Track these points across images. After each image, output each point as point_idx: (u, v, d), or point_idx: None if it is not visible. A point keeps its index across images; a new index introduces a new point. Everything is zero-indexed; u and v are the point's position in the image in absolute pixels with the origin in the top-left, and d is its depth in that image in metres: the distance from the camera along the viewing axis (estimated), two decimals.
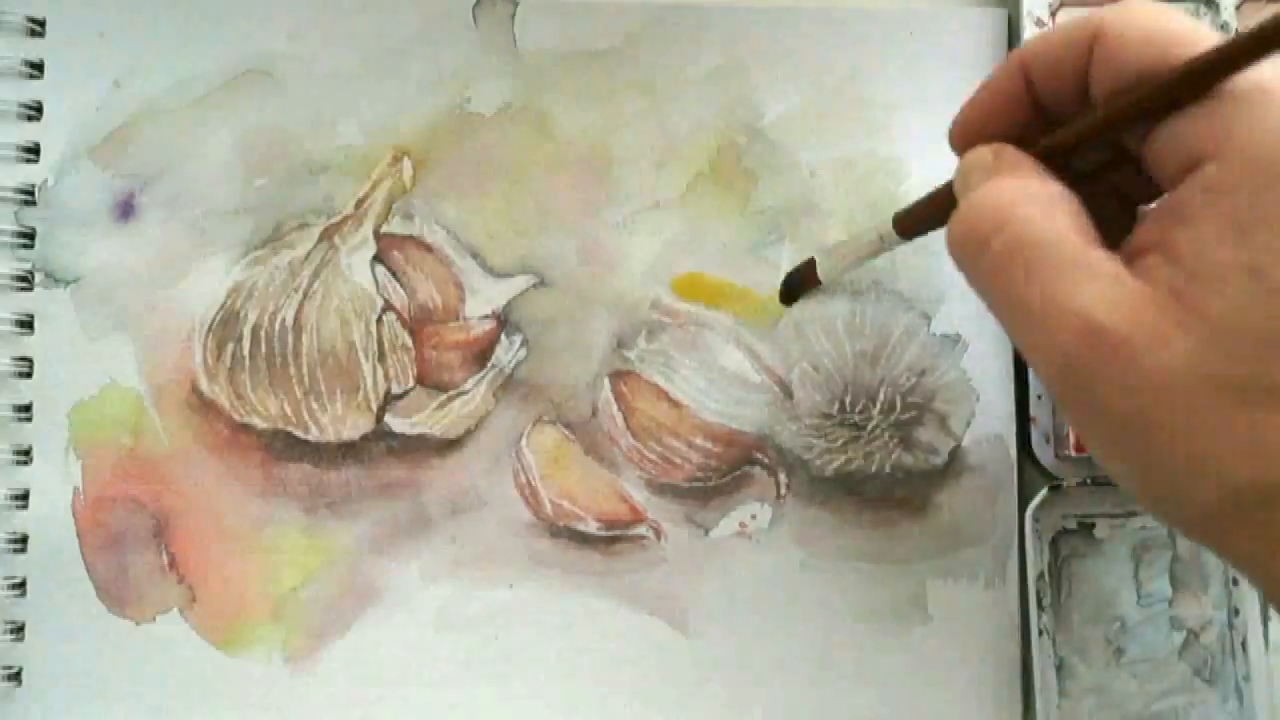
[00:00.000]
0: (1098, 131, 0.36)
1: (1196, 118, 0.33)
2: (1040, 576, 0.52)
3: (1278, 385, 0.31)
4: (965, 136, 0.41)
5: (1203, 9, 0.53)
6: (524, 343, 0.53)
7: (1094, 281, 0.33)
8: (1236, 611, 0.52)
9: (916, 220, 0.45)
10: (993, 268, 0.35)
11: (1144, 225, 0.34)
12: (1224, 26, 0.52)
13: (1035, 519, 0.52)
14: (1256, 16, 0.53)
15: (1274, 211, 0.31)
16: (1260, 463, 0.31)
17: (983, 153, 0.38)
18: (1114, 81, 0.35)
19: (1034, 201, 0.35)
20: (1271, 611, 0.52)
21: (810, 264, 0.52)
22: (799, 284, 0.53)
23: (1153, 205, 0.35)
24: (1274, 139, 0.31)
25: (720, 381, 0.53)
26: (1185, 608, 0.52)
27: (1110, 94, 0.35)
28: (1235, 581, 0.52)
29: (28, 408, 0.51)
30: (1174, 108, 0.33)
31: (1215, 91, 0.32)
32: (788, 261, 0.53)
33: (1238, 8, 0.52)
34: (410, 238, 0.53)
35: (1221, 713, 0.52)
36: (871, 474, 0.52)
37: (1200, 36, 0.33)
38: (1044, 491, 0.52)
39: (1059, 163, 0.37)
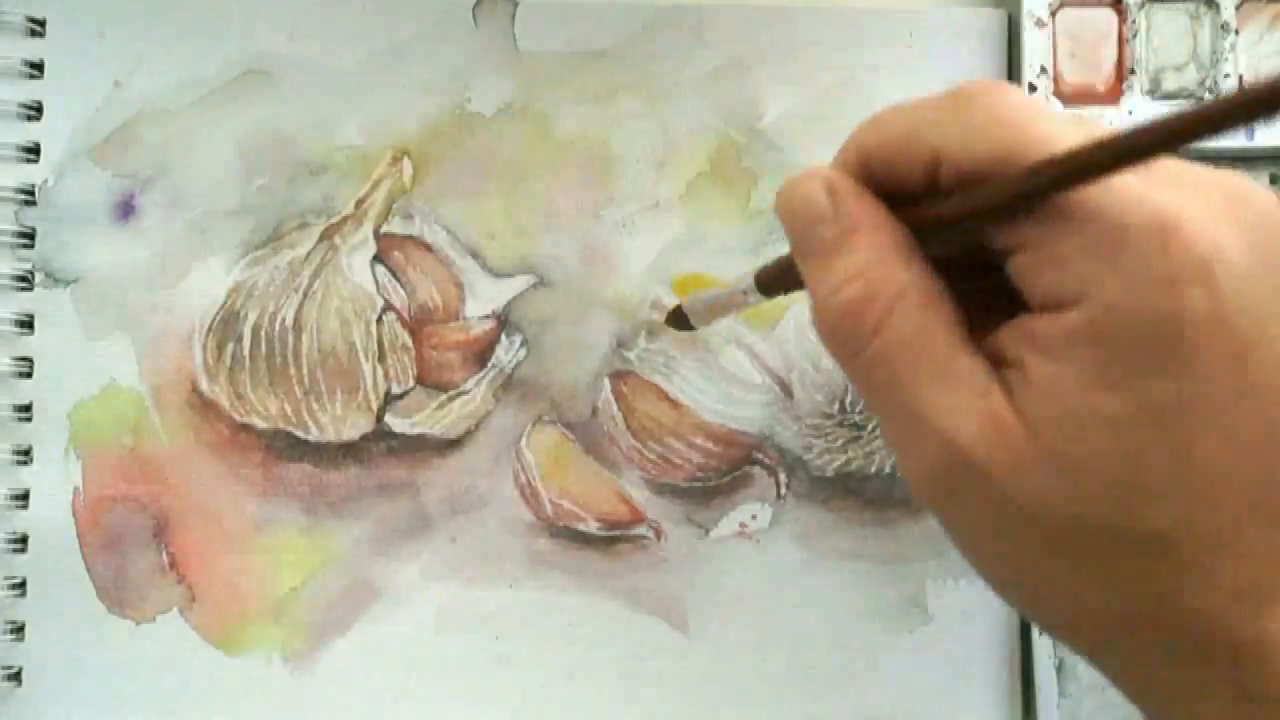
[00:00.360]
0: (950, 223, 0.34)
1: (1064, 257, 0.31)
2: None
3: (1141, 530, 0.31)
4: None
5: (1203, 9, 0.53)
6: (524, 343, 0.53)
7: (959, 395, 0.32)
8: None
9: (776, 282, 0.43)
10: (865, 368, 0.34)
11: (1007, 332, 0.33)
12: (1224, 26, 0.52)
13: None
14: (1256, 16, 0.53)
15: (1138, 363, 0.30)
16: (1119, 596, 0.32)
17: (815, 189, 0.35)
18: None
19: (910, 299, 0.33)
20: None
21: (679, 313, 0.50)
22: (678, 324, 0.51)
23: (1017, 318, 0.33)
24: (1139, 290, 0.30)
25: (720, 381, 0.53)
26: None
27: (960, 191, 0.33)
28: None
29: (28, 408, 0.51)
30: (1020, 213, 0.32)
31: (1075, 216, 0.31)
32: None
33: (1238, 8, 0.52)
34: (410, 238, 0.53)
35: None
36: (872, 474, 0.53)
37: (1039, 135, 0.32)
38: None
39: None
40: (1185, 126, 0.28)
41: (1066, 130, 0.32)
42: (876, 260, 0.34)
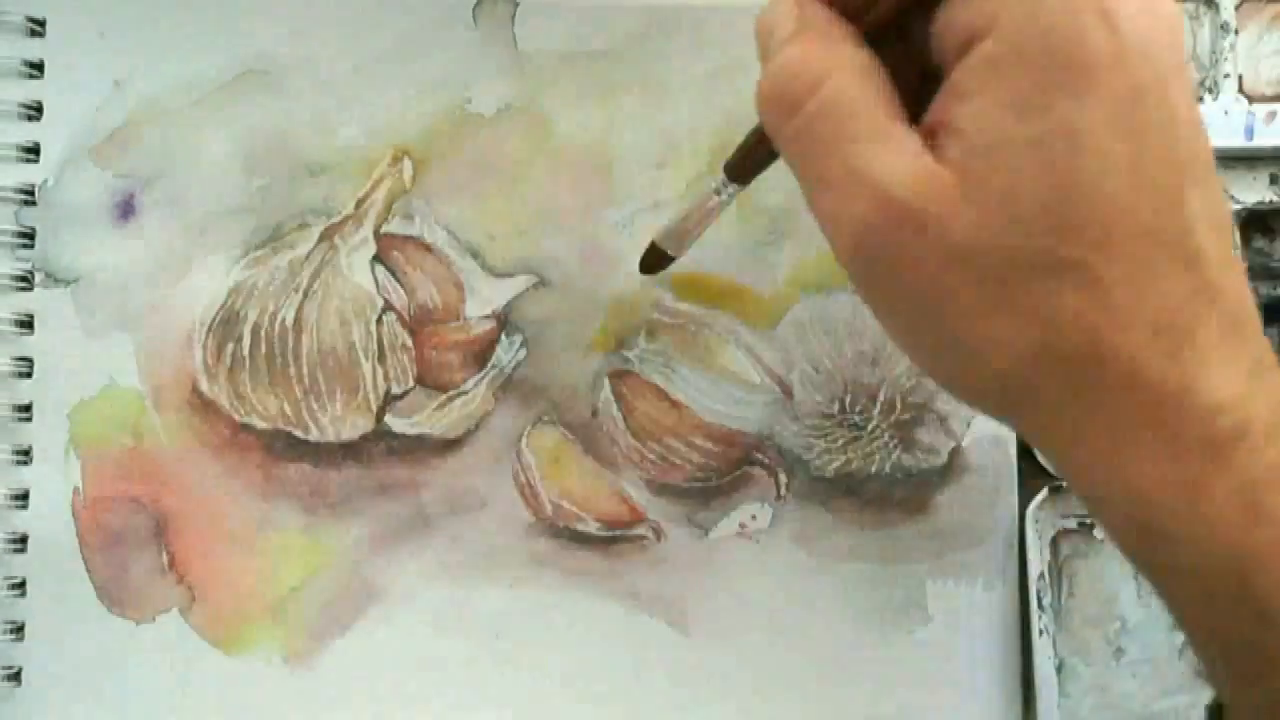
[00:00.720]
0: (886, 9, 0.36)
1: None
2: (1040, 576, 0.52)
3: (1063, 258, 0.32)
4: None
5: (1202, 9, 0.53)
6: (524, 343, 0.53)
7: (893, 154, 0.33)
8: None
9: (748, 159, 0.43)
10: (801, 130, 0.35)
11: (935, 103, 0.34)
12: (1224, 26, 0.52)
13: (1035, 519, 0.52)
14: (1256, 16, 0.53)
15: (1047, 84, 0.32)
16: (1049, 333, 0.33)
17: (785, 4, 0.37)
18: None
19: (847, 69, 0.35)
20: None
21: (653, 249, 0.50)
22: (654, 267, 0.51)
23: (943, 84, 0.34)
24: (1044, 11, 0.32)
25: (720, 382, 0.53)
26: None
27: None
28: None
29: (28, 408, 0.51)
30: None
31: None
32: (788, 262, 0.53)
33: (1237, 7, 0.53)
34: (410, 238, 0.53)
35: None
36: (872, 474, 0.53)
37: None
38: (1044, 491, 0.52)
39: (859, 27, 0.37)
40: None
41: None
42: (822, 40, 0.35)
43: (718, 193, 0.44)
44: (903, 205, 0.33)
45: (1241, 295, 0.34)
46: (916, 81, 0.36)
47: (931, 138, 0.34)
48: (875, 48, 0.36)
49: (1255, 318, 0.34)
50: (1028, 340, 0.33)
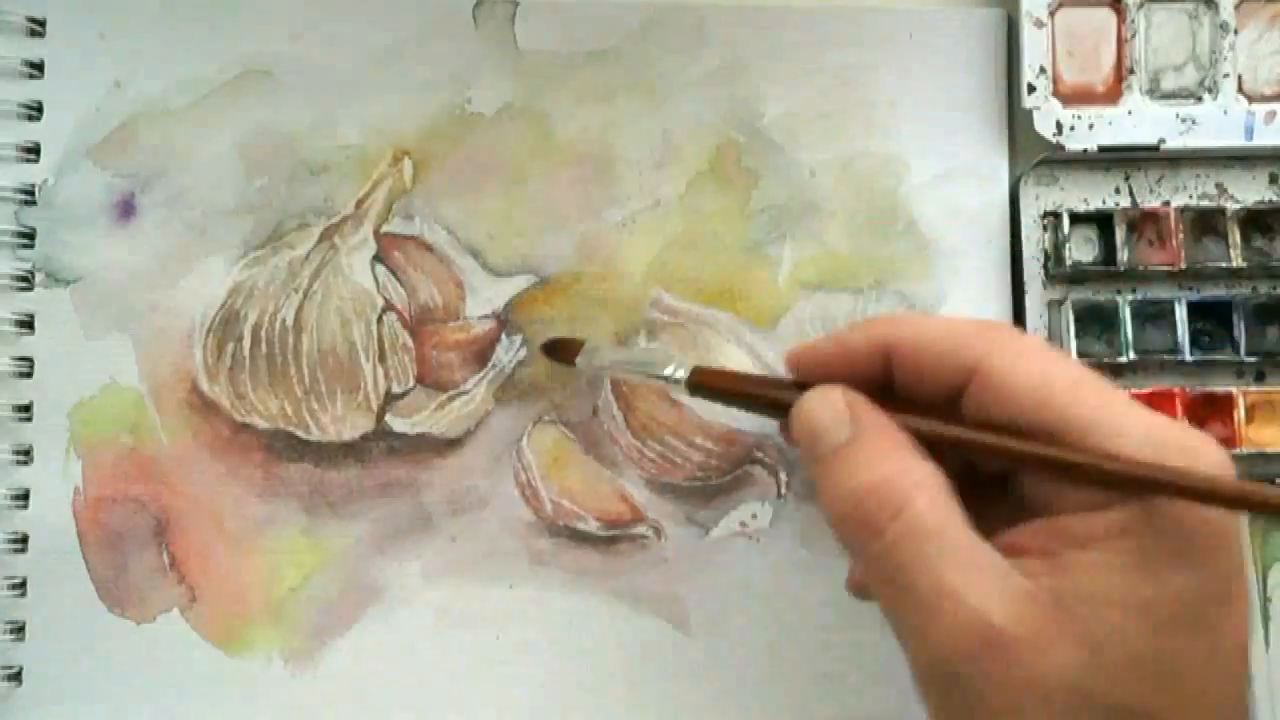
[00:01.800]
0: (972, 450, 0.38)
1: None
2: None
3: (1143, 710, 0.34)
4: (803, 368, 0.42)
5: (1202, 8, 0.53)
6: (524, 342, 0.53)
7: (986, 577, 0.34)
8: None
9: (720, 392, 0.45)
10: (886, 552, 0.36)
11: (1029, 529, 0.36)
12: (1223, 26, 0.52)
13: None
14: (1255, 15, 0.53)
15: (1168, 554, 0.34)
16: None
17: (835, 401, 0.39)
18: (989, 412, 0.37)
19: (927, 488, 0.36)
20: (1272, 611, 0.52)
21: (576, 346, 0.50)
22: (556, 351, 0.52)
23: (1042, 520, 0.36)
24: (1182, 506, 0.34)
25: None
26: None
27: (983, 420, 0.37)
28: None
29: (28, 408, 0.51)
30: (1079, 483, 0.36)
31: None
32: (788, 260, 0.53)
33: (1237, 7, 0.52)
34: (411, 237, 0.53)
35: None
36: None
37: (1088, 394, 0.36)
38: None
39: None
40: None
41: (1108, 411, 0.36)
42: (893, 453, 0.37)
43: (668, 380, 0.46)
44: (1000, 630, 0.33)
45: None
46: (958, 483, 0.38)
47: (1016, 555, 0.35)
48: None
49: None
50: None
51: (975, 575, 0.34)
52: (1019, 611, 0.34)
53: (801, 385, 0.41)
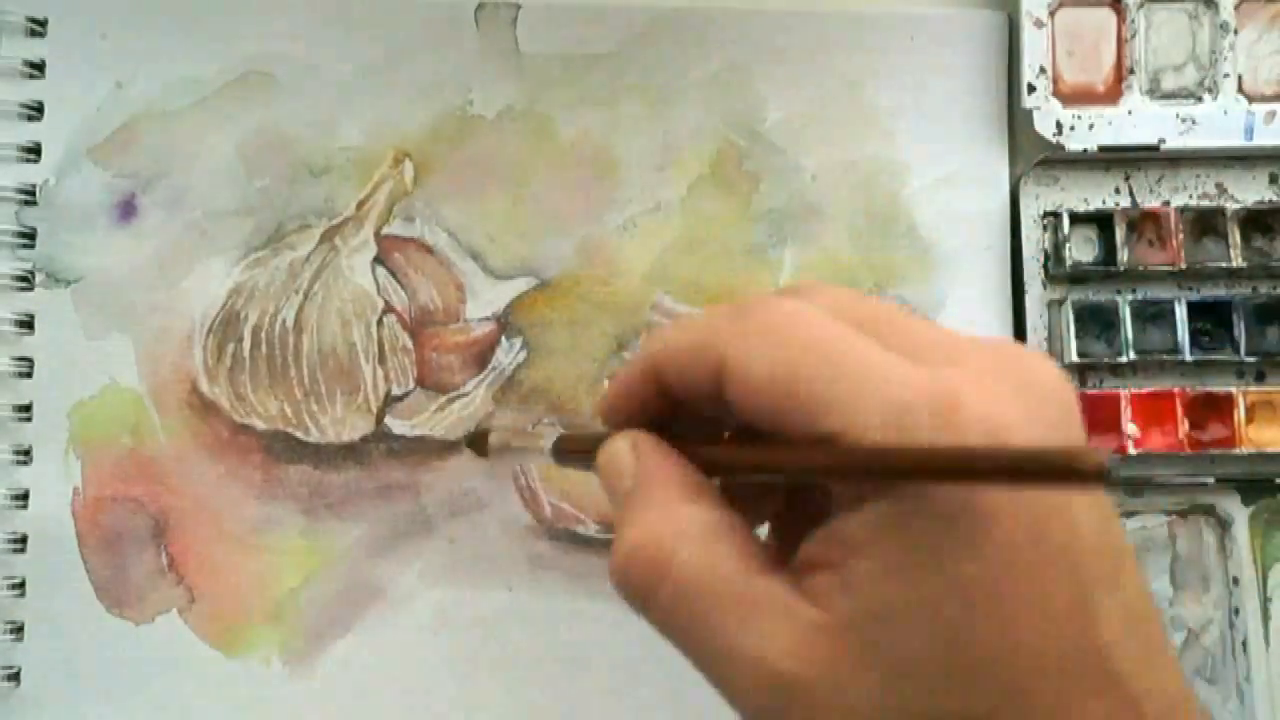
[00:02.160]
0: (745, 471, 0.36)
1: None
2: None
3: (972, 715, 0.30)
4: (612, 417, 0.39)
5: (1201, 8, 0.53)
6: (524, 345, 0.53)
7: (767, 622, 0.32)
8: (1237, 611, 0.52)
9: (571, 457, 0.43)
10: (664, 619, 0.34)
11: (814, 543, 0.33)
12: (1223, 26, 0.53)
13: None
14: (1255, 15, 0.53)
15: (940, 539, 0.30)
16: None
17: (622, 450, 0.36)
18: (746, 411, 0.33)
19: (694, 540, 0.33)
20: (1272, 611, 0.52)
21: (484, 436, 0.48)
22: (476, 447, 0.49)
23: (825, 525, 0.33)
24: (938, 490, 0.30)
25: None
26: (1186, 608, 0.52)
27: (747, 419, 0.34)
28: (1236, 581, 0.52)
29: (28, 408, 0.51)
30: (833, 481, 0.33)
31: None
32: (789, 264, 0.53)
33: (1237, 7, 0.53)
34: (411, 239, 0.53)
35: (1222, 713, 0.52)
36: None
37: (821, 368, 0.32)
38: None
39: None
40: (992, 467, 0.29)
41: (844, 348, 0.32)
42: (661, 505, 0.34)
43: (542, 452, 0.44)
44: (785, 675, 0.31)
45: (1167, 690, 0.33)
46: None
47: (809, 574, 0.32)
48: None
49: (1188, 700, 0.33)
50: None
51: (755, 623, 0.32)
52: (807, 651, 0.31)
53: None
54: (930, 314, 0.53)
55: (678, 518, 0.34)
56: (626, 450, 0.36)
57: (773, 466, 0.34)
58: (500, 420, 0.52)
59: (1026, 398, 0.31)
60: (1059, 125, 0.52)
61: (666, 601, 0.33)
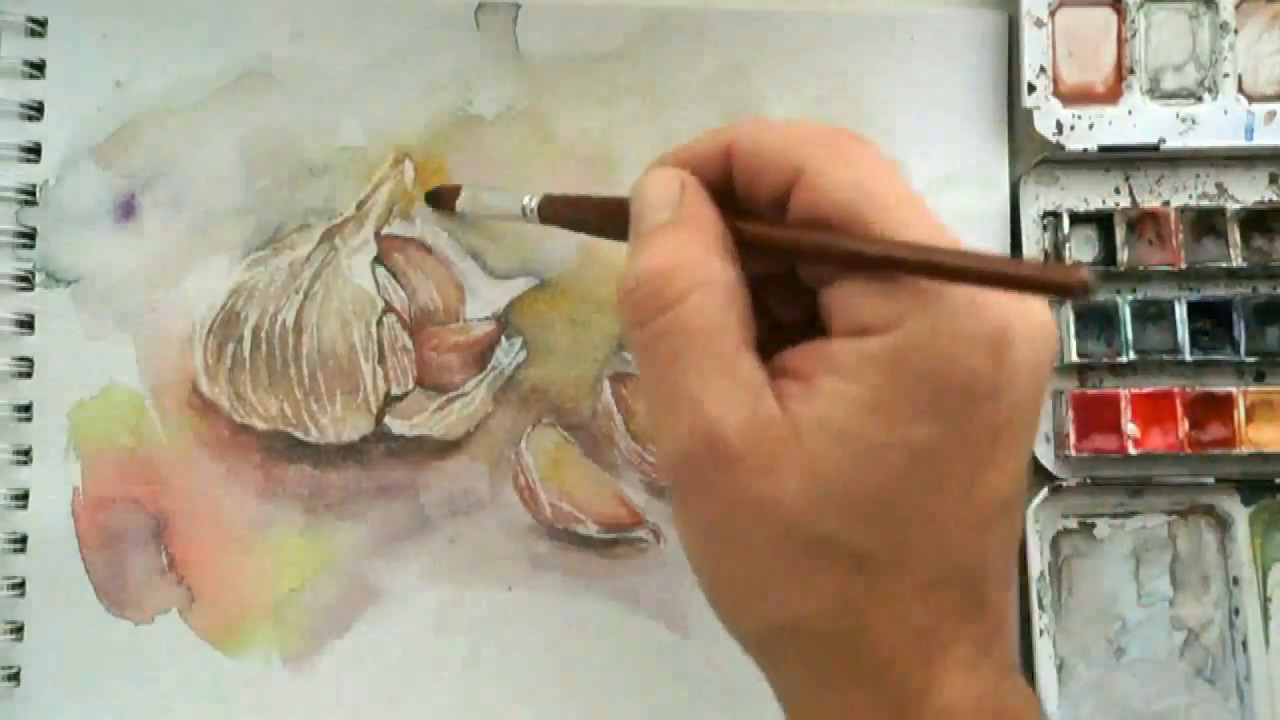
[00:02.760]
0: (785, 250, 0.36)
1: (882, 291, 0.33)
2: (1041, 576, 0.51)
3: (861, 549, 0.33)
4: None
5: (1201, 8, 0.53)
6: (524, 345, 0.53)
7: (733, 390, 0.34)
8: (1237, 611, 0.52)
9: (567, 217, 0.45)
10: (651, 340, 0.35)
11: (799, 351, 0.35)
12: (1223, 26, 0.53)
13: (1035, 519, 0.52)
14: (1255, 15, 0.53)
15: (917, 401, 0.32)
16: (823, 606, 0.34)
17: (670, 182, 0.38)
18: (810, 213, 0.35)
19: (712, 287, 0.35)
20: (1272, 611, 0.52)
21: (455, 191, 0.51)
22: (438, 200, 0.52)
23: (814, 341, 0.35)
24: (943, 338, 0.32)
25: None
26: (1186, 608, 0.52)
27: (804, 221, 0.35)
28: (1236, 581, 0.52)
29: (28, 408, 0.51)
30: (868, 272, 0.34)
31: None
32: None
33: (1237, 7, 0.53)
34: (411, 239, 0.53)
35: (1223, 712, 0.52)
36: None
37: (894, 195, 0.35)
38: (1044, 491, 0.52)
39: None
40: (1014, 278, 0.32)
41: (911, 213, 0.34)
42: (696, 246, 0.36)
43: (524, 211, 0.46)
44: (727, 444, 0.33)
45: (1003, 607, 0.36)
46: (776, 284, 0.38)
47: (782, 378, 0.34)
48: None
49: (1011, 626, 0.38)
50: (802, 608, 0.34)
51: (723, 386, 0.34)
52: (754, 431, 0.33)
53: None
54: None
55: (707, 265, 0.35)
56: (675, 183, 0.37)
57: (817, 247, 0.35)
58: (501, 418, 0.52)
59: (1030, 325, 0.34)
60: (1059, 125, 0.52)
61: (661, 329, 0.35)
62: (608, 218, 0.42)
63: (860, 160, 0.35)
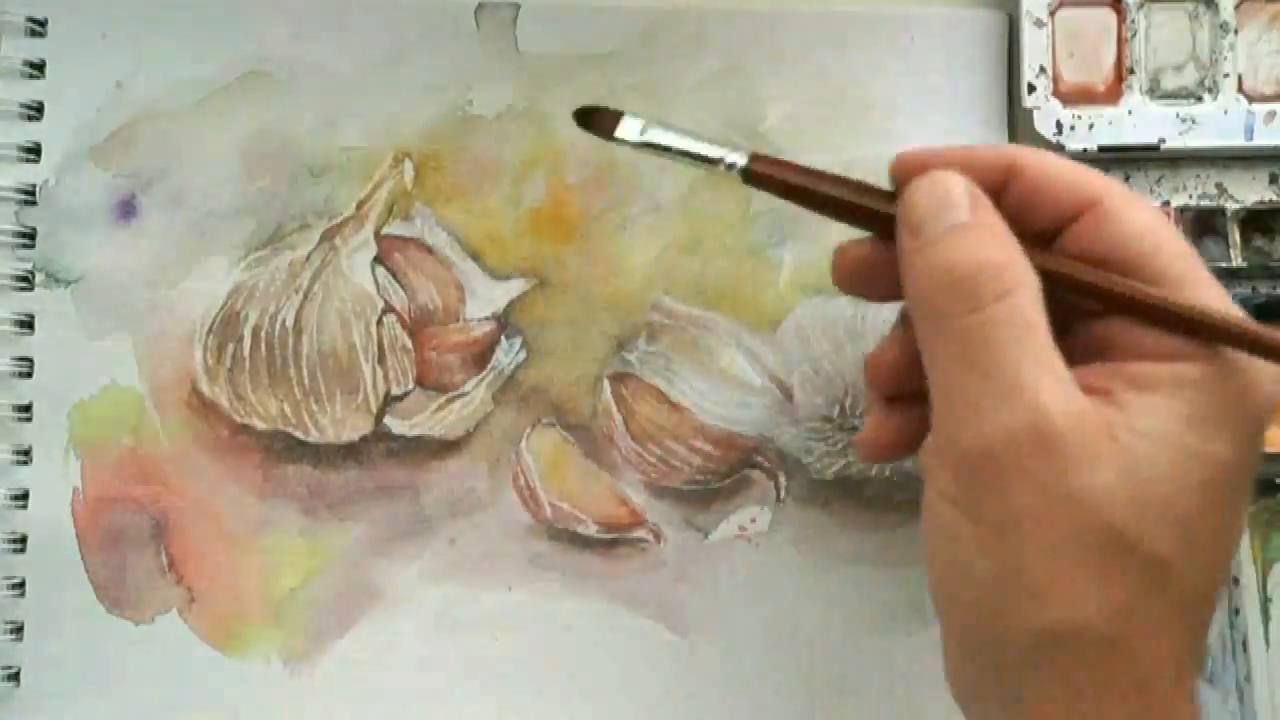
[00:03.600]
0: (1086, 292, 0.38)
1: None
2: None
3: (1147, 550, 0.34)
4: (910, 167, 0.41)
5: (1202, 8, 0.53)
6: (524, 345, 0.53)
7: (1058, 382, 0.35)
8: (1237, 611, 0.52)
9: (785, 184, 0.42)
10: (978, 326, 0.36)
11: (1092, 370, 0.37)
12: (1223, 26, 0.52)
13: None
14: (1256, 15, 0.53)
15: (1222, 423, 0.36)
16: (1090, 609, 0.34)
17: (962, 186, 0.39)
18: (1100, 247, 0.38)
19: (1032, 288, 0.36)
20: (1272, 611, 0.52)
21: (615, 116, 0.45)
22: (591, 121, 0.45)
23: (1102, 363, 0.37)
24: (1245, 376, 0.36)
25: (720, 384, 0.53)
26: None
27: (1088, 254, 0.38)
28: (1236, 581, 0.52)
29: (28, 408, 0.51)
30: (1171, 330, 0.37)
31: None
32: (789, 264, 0.53)
33: (1237, 7, 0.52)
34: (411, 239, 0.53)
35: (1222, 712, 0.52)
36: (871, 477, 0.52)
37: (1183, 249, 0.38)
38: None
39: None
40: None
41: (1199, 271, 0.38)
42: (1008, 245, 0.37)
43: (725, 164, 0.42)
44: (1057, 432, 0.34)
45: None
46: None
47: (1085, 391, 0.36)
48: None
49: None
50: (1087, 611, 0.34)
51: (1050, 377, 0.35)
52: (1079, 423, 0.34)
53: (886, 194, 0.41)
54: None
55: (1024, 267, 0.37)
56: (965, 188, 0.38)
57: (1116, 294, 0.38)
58: (501, 418, 0.52)
59: None
60: (1059, 125, 0.52)
61: (990, 317, 0.36)
62: (852, 196, 0.42)
63: (1150, 208, 0.38)
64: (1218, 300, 0.37)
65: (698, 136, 0.43)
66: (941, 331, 0.37)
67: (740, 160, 0.42)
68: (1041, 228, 0.39)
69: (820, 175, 0.42)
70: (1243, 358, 0.36)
